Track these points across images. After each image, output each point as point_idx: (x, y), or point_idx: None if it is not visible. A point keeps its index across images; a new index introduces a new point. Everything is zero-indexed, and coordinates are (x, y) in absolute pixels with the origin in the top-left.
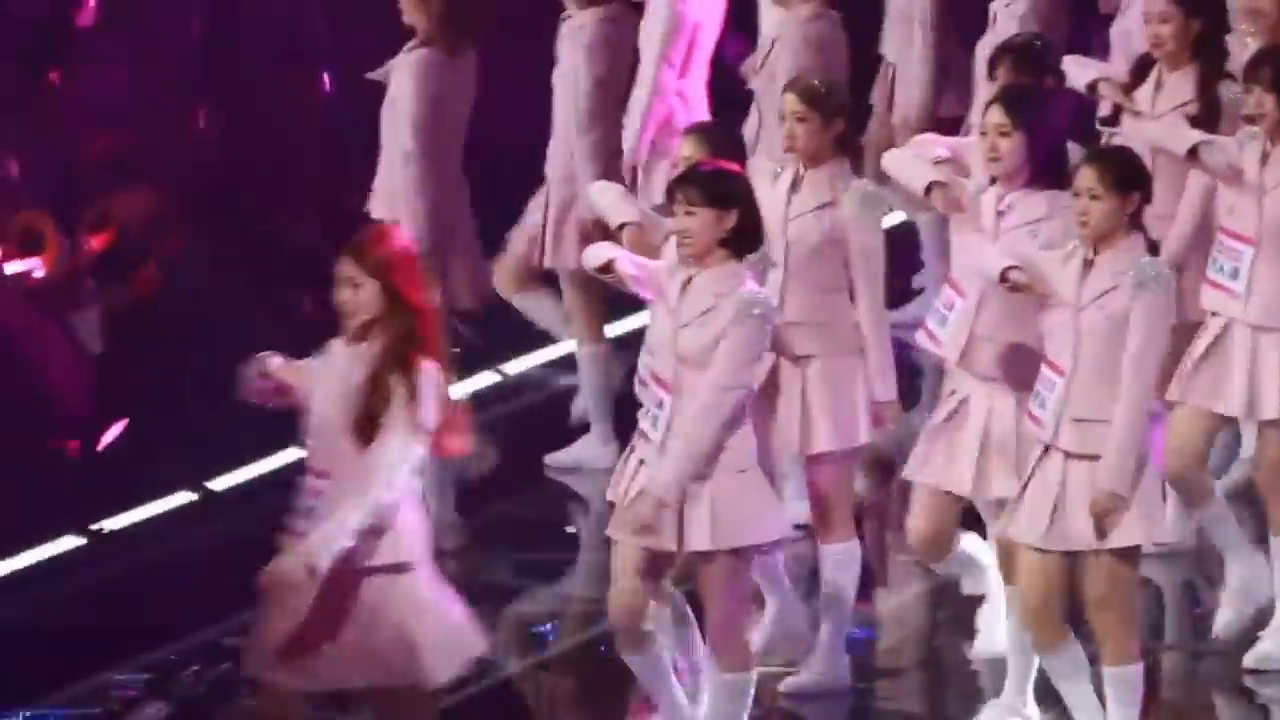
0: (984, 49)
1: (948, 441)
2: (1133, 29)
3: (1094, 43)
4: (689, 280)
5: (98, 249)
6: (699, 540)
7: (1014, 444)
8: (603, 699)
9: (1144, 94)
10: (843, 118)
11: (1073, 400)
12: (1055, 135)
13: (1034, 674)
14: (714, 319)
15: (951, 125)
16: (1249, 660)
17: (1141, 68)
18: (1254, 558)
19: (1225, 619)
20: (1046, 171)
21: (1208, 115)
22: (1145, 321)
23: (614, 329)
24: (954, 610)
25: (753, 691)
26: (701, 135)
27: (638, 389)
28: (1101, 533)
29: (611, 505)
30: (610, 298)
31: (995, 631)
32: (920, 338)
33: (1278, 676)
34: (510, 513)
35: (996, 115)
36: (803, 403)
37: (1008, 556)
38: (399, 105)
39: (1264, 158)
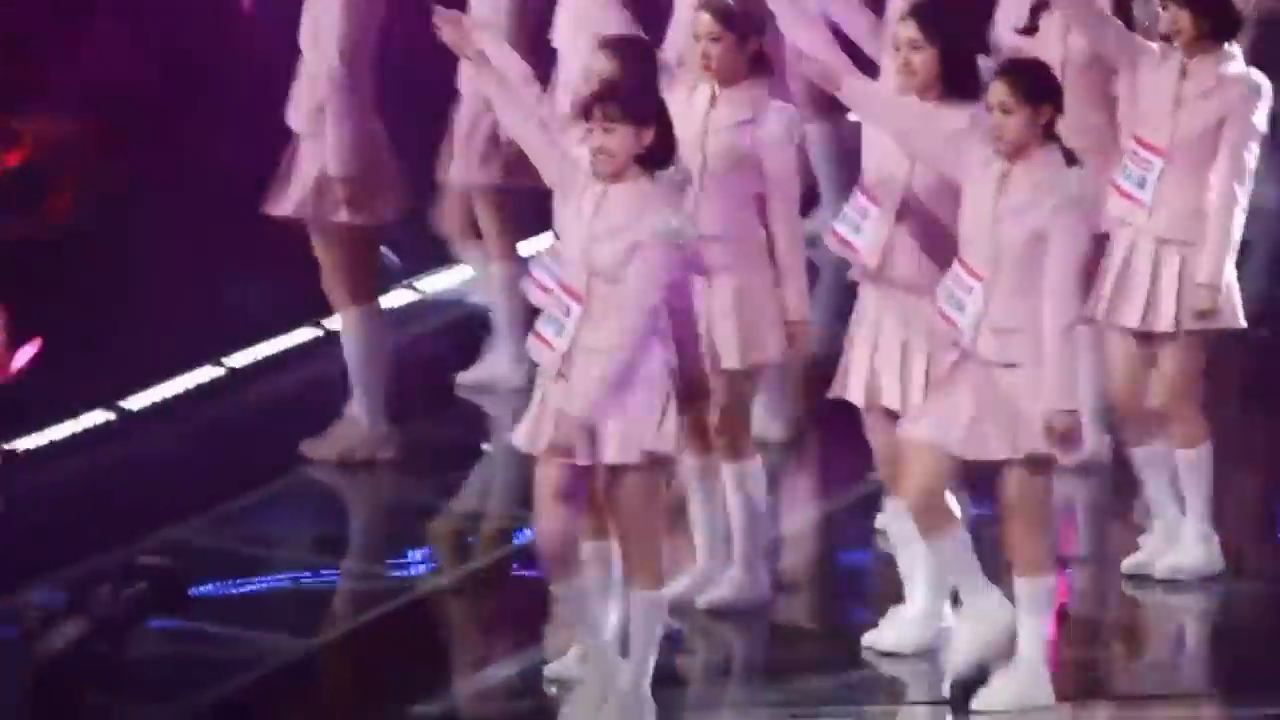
0: None
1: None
2: None
3: None
4: (604, 193)
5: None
6: (611, 453)
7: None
8: (519, 617)
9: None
10: (758, 36)
11: (992, 310)
12: (968, 49)
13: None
14: (627, 235)
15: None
16: (1134, 568)
17: None
18: (1173, 508)
19: (1137, 560)
20: (959, 86)
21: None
22: (1066, 238)
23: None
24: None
25: (666, 608)
26: (613, 50)
27: (534, 295)
28: (1016, 443)
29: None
30: (522, 215)
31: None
32: (831, 242)
33: (1185, 586)
34: (426, 432)
35: (909, 29)
36: (710, 317)
37: (899, 458)
38: (323, 22)
39: (1182, 71)
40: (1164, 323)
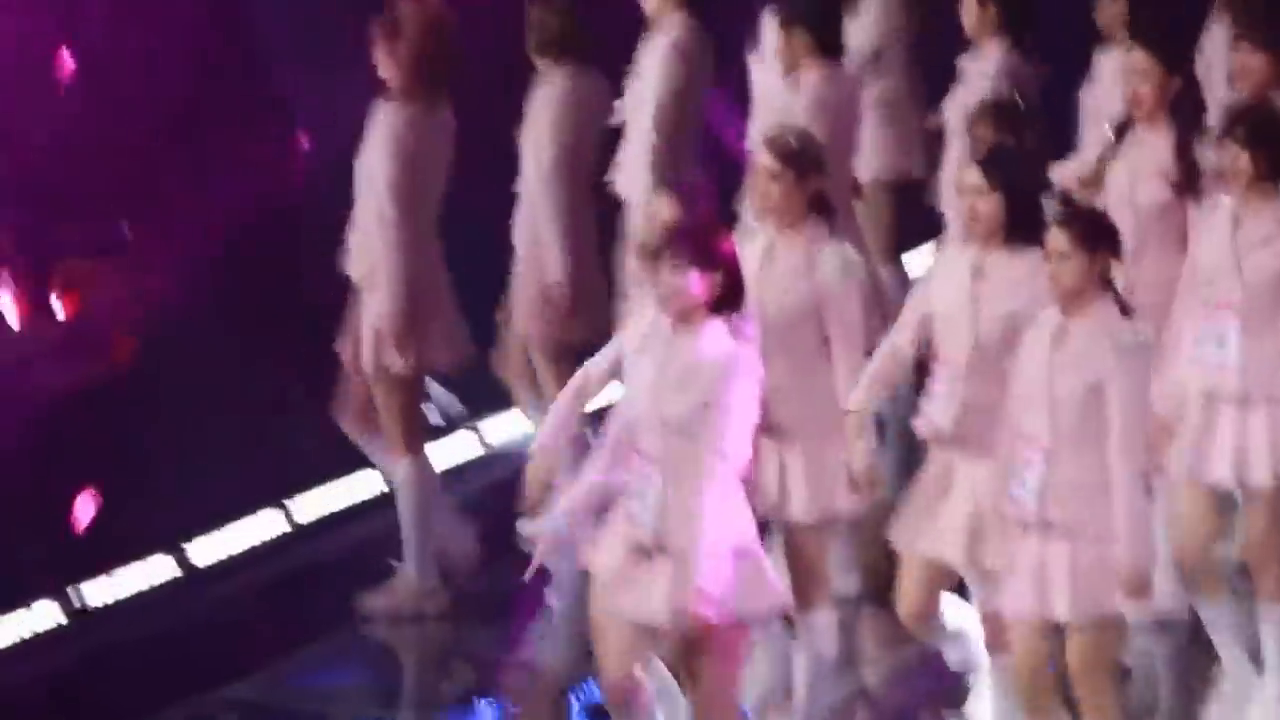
0: (954, 107)
1: (936, 512)
2: (1101, 96)
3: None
4: (669, 342)
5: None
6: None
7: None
8: None
9: (1124, 158)
10: (818, 175)
11: (1054, 471)
12: (1032, 195)
13: None
14: (699, 379)
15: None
16: None
17: (1122, 131)
18: (1246, 667)
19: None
20: (1023, 231)
21: (1186, 175)
22: (1129, 388)
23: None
24: (938, 680)
25: None
26: (675, 194)
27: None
28: (1089, 605)
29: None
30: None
31: (981, 700)
32: (916, 425)
33: None
34: (486, 582)
35: (974, 176)
36: (780, 471)
37: (995, 629)
38: (373, 163)
39: (1235, 221)
40: (1261, 477)
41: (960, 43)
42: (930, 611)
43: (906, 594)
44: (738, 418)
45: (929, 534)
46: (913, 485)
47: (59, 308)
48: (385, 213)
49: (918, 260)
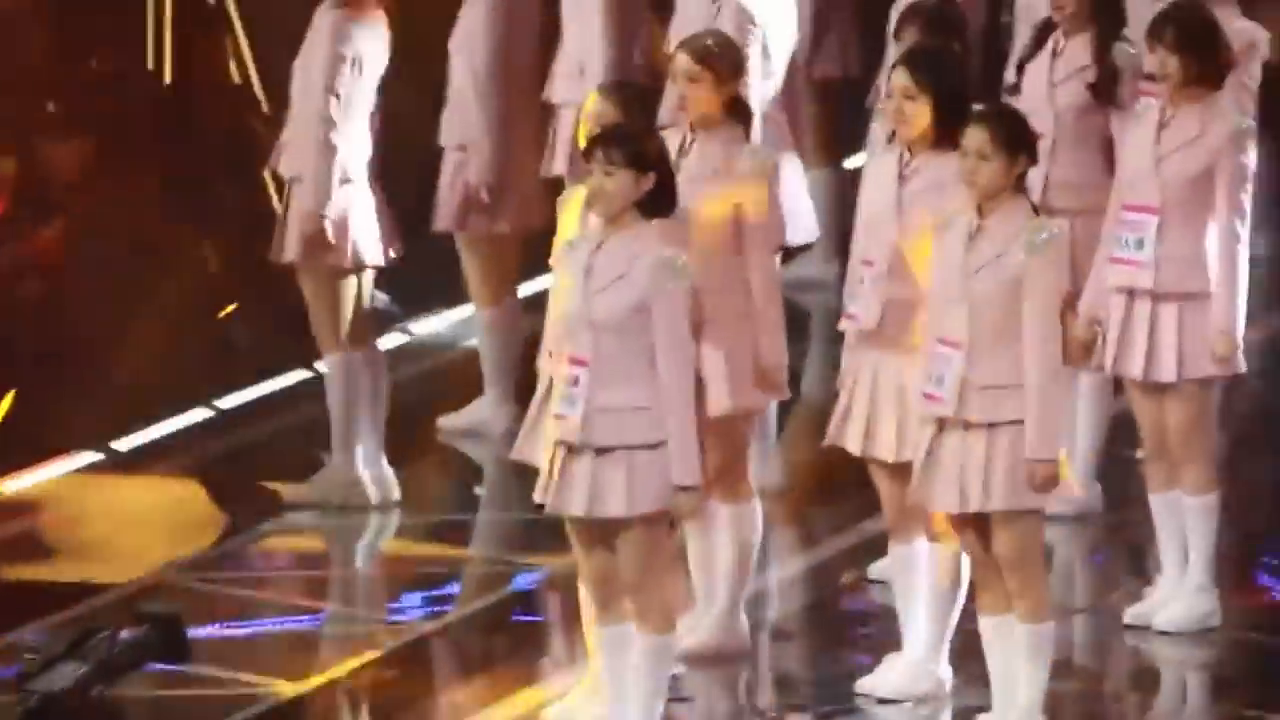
0: (894, 11)
1: (861, 411)
2: (1035, 3)
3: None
4: (599, 246)
5: None
6: (628, 505)
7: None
8: (507, 661)
9: (1042, 61)
10: (735, 80)
11: (974, 371)
12: (961, 98)
13: (951, 633)
14: (630, 282)
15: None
16: (1136, 618)
17: (1042, 34)
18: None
19: (1138, 611)
20: (952, 134)
21: (1105, 78)
22: (1042, 284)
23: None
24: (854, 577)
25: (674, 653)
26: (611, 93)
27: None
28: (1008, 497)
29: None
30: (511, 260)
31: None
32: (843, 323)
33: (1179, 639)
34: (411, 476)
35: (902, 78)
36: (700, 365)
37: (927, 520)
38: (314, 66)
39: (1160, 125)
40: (1166, 373)
41: None
42: (904, 502)
43: (881, 491)
44: (668, 317)
45: (868, 433)
46: (840, 384)
47: None
48: (322, 113)
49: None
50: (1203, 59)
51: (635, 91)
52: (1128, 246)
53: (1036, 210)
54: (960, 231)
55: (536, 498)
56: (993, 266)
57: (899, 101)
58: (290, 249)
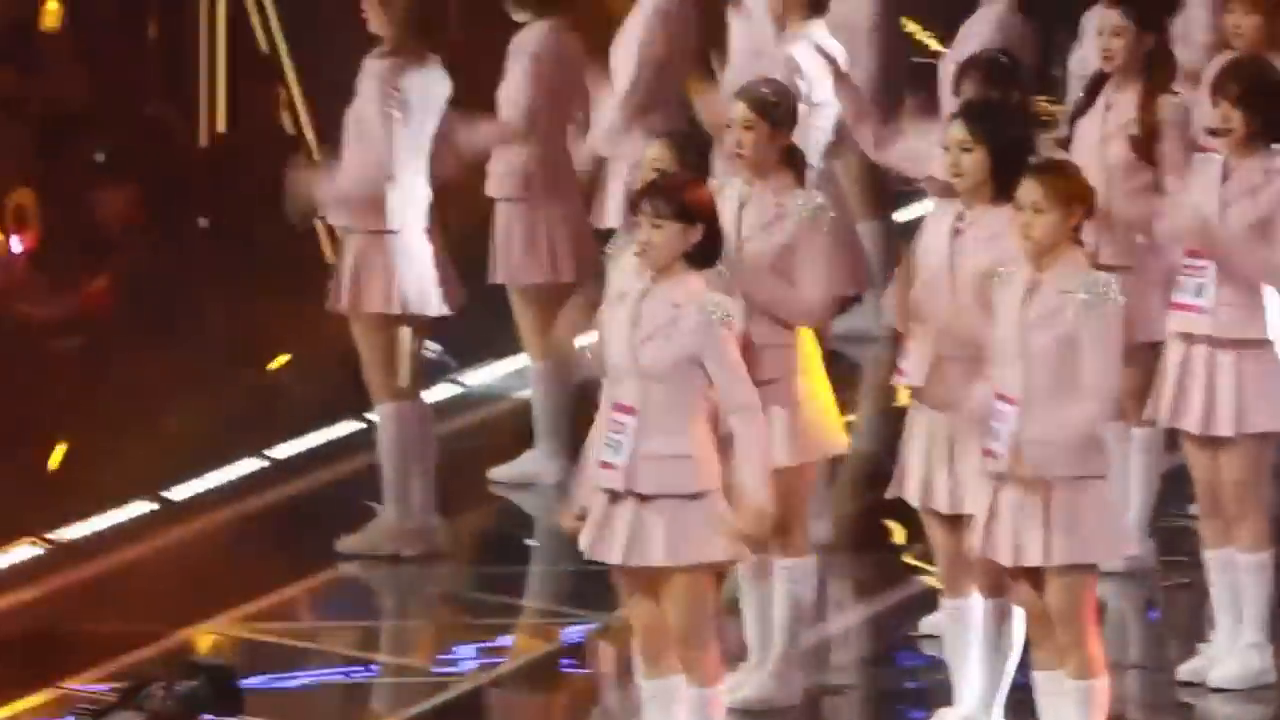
0: (947, 64)
1: (920, 465)
2: (1089, 56)
3: (1056, 68)
4: (645, 294)
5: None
6: (656, 556)
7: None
8: (559, 714)
9: (1095, 115)
10: (789, 128)
11: (1029, 424)
12: (1019, 150)
13: (1006, 688)
14: (677, 331)
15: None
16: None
17: (1095, 86)
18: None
19: (1193, 667)
20: (1010, 187)
21: (1146, 133)
22: (1100, 338)
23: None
24: (906, 632)
25: (724, 706)
26: (670, 142)
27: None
28: (1063, 551)
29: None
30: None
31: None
32: (897, 380)
33: (1232, 696)
34: (462, 526)
35: (959, 130)
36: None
37: (981, 574)
38: (368, 114)
39: (1225, 174)
40: (1223, 427)
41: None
42: (959, 556)
43: (934, 544)
44: (720, 360)
45: (925, 486)
46: (903, 439)
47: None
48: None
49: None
50: (1266, 113)
51: (693, 141)
52: (1187, 292)
53: (1095, 264)
54: (1017, 287)
55: (582, 548)
56: (1049, 321)
57: (955, 154)
58: (344, 298)
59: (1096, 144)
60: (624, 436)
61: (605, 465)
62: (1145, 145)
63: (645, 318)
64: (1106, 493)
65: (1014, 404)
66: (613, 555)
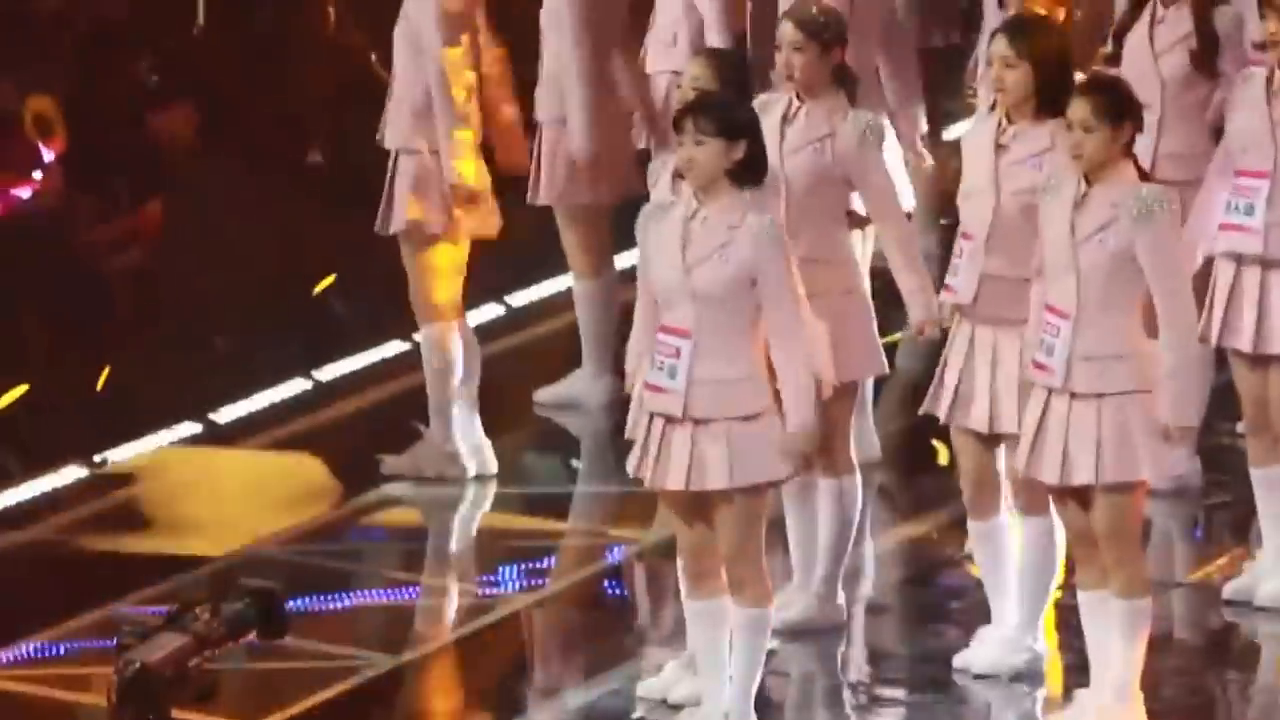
0: None
1: (961, 382)
2: None
3: None
4: (694, 215)
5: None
6: (716, 479)
7: (1016, 384)
8: (603, 635)
9: (1142, 30)
10: (840, 47)
11: (1080, 339)
12: (1063, 67)
13: (1046, 607)
14: (732, 252)
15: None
16: (1236, 593)
17: (1139, 1)
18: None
19: (1239, 585)
20: (1053, 103)
21: (1205, 46)
22: (1162, 250)
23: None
24: (951, 552)
25: (770, 626)
26: (710, 60)
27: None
28: (1112, 469)
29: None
30: (609, 232)
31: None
32: (942, 297)
33: (1278, 614)
34: (507, 448)
35: (1002, 46)
36: None
37: (1026, 492)
38: (423, 33)
39: (1271, 90)
40: (1275, 344)
41: None
42: (985, 478)
43: (961, 465)
44: (777, 280)
45: (960, 403)
46: (942, 357)
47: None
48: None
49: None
50: None
51: (731, 58)
52: (1237, 212)
53: (1145, 176)
54: (1067, 198)
55: (632, 472)
56: (1101, 235)
57: (999, 69)
58: (398, 220)
59: (1149, 60)
60: (679, 361)
61: (657, 389)
62: (1204, 58)
63: (696, 239)
64: (1154, 408)
65: (1066, 317)
66: (673, 481)
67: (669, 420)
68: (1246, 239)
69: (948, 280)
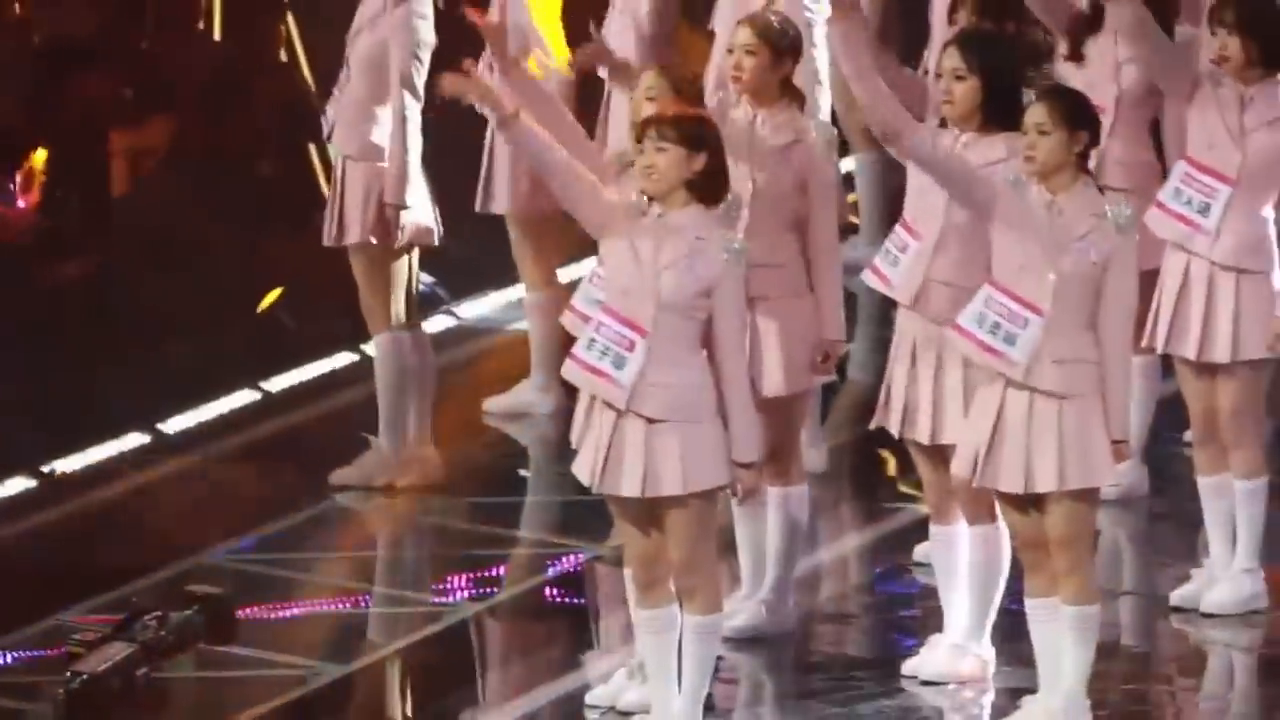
0: None
1: (912, 393)
2: None
3: None
4: (662, 220)
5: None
6: (671, 485)
7: (963, 391)
8: (551, 644)
9: (1106, 38)
10: (792, 60)
11: (1052, 342)
12: (1011, 80)
13: (994, 615)
14: (700, 264)
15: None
16: (1182, 600)
17: (1095, 13)
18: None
19: (1184, 593)
20: (1000, 116)
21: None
22: (1130, 262)
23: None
24: (899, 560)
25: (721, 633)
26: (663, 72)
27: (573, 325)
28: (1072, 476)
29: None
30: (561, 242)
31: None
32: (868, 277)
33: (1225, 621)
34: (457, 458)
35: (953, 58)
36: (754, 345)
37: (973, 497)
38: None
39: (1241, 102)
40: (1220, 353)
41: None
42: (947, 484)
43: (922, 474)
44: (733, 300)
45: (909, 416)
46: (888, 369)
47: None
48: (399, 106)
49: None
50: (1264, 41)
51: (689, 75)
52: (1189, 206)
53: (1100, 189)
54: (1037, 198)
55: (585, 479)
56: (1082, 245)
57: (948, 82)
58: (351, 231)
59: (1111, 66)
60: (631, 356)
61: (598, 372)
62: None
63: (666, 245)
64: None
65: (1038, 314)
66: (628, 488)
67: (619, 415)
68: (1195, 237)
69: (881, 266)
